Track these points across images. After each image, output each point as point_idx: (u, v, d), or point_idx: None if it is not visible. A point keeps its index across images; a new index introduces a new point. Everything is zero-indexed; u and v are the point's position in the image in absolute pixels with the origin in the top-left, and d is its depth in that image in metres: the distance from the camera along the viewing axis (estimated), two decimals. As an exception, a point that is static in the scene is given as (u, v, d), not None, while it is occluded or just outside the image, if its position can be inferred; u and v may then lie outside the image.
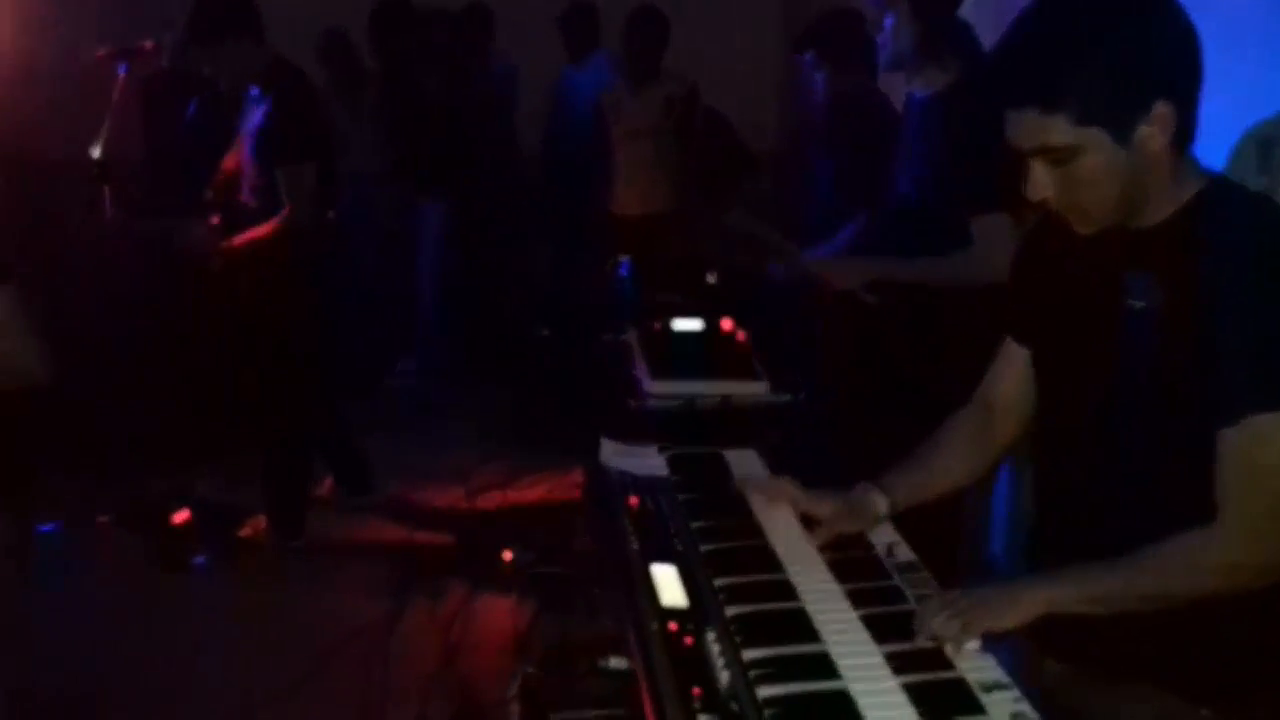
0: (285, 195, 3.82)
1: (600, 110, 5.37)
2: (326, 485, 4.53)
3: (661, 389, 2.59)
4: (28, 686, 3.10)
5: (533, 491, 4.59)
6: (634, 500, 1.88)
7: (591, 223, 5.45)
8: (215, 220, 3.97)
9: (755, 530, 1.82)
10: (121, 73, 3.96)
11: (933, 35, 2.73)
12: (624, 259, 3.78)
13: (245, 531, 4.24)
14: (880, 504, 1.83)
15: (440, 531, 4.31)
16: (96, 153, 3.88)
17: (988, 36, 3.08)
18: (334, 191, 4.07)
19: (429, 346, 6.01)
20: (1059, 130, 1.44)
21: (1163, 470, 1.54)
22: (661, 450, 2.14)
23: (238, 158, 4.00)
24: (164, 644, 3.53)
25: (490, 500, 4.58)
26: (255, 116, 3.90)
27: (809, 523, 1.85)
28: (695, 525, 1.83)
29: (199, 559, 4.09)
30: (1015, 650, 1.68)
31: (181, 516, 4.18)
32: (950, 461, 1.87)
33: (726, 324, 3.15)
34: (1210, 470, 1.48)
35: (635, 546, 1.74)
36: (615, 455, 2.10)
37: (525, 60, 6.05)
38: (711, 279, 3.63)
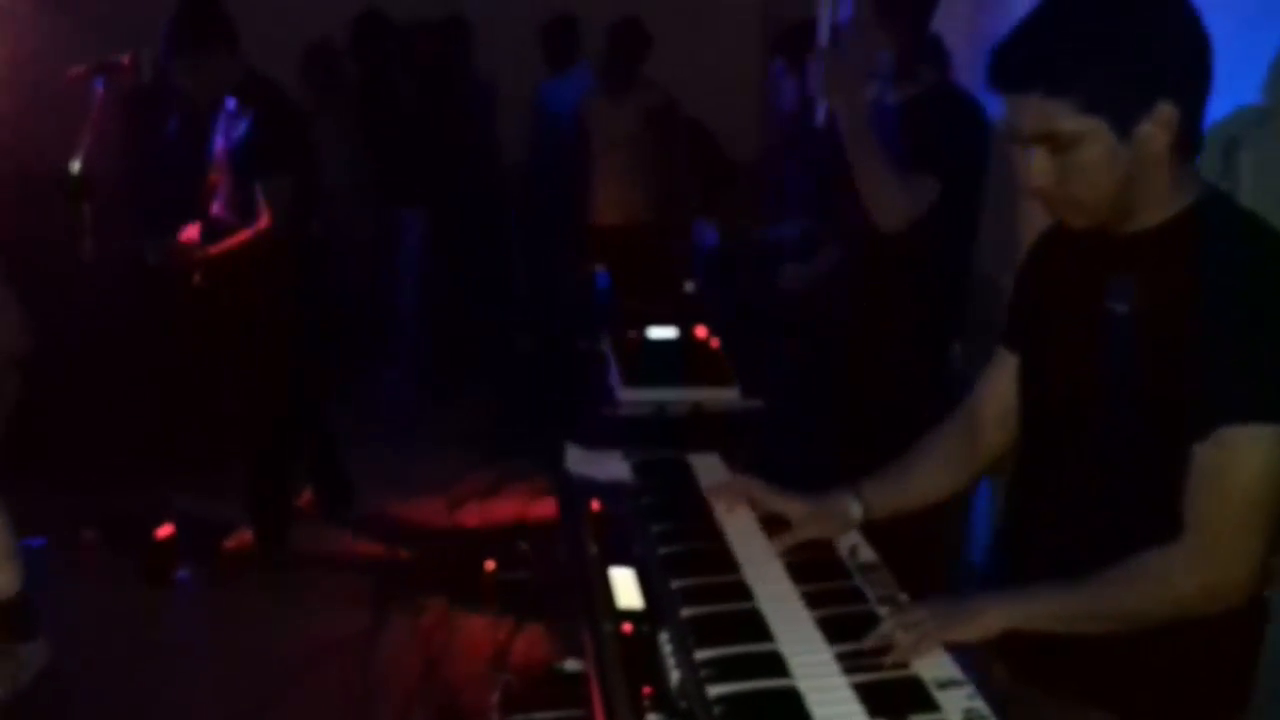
0: (265, 207, 3.84)
1: (580, 120, 5.39)
2: (305, 497, 4.54)
3: (633, 396, 2.60)
4: (13, 701, 3.11)
5: (514, 501, 4.59)
6: (595, 505, 1.89)
7: (571, 233, 5.46)
8: (194, 233, 3.98)
9: (715, 533, 1.83)
10: (99, 88, 3.96)
11: (910, 54, 2.75)
12: (601, 268, 3.80)
13: (230, 544, 4.24)
14: (854, 509, 1.81)
15: (421, 543, 4.31)
16: (75, 168, 3.89)
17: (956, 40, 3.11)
18: (314, 205, 4.08)
19: (409, 357, 6.02)
20: (1062, 116, 1.44)
21: (1132, 480, 1.53)
22: (626, 456, 2.15)
23: (217, 172, 4.01)
24: (148, 658, 3.53)
25: (472, 511, 4.58)
26: (237, 129, 3.91)
27: (774, 525, 1.84)
28: (655, 529, 1.84)
29: (183, 573, 4.09)
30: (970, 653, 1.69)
31: (165, 531, 4.18)
32: (931, 472, 1.84)
33: (701, 331, 3.17)
34: (1179, 485, 1.46)
35: (594, 550, 1.75)
36: (580, 462, 2.11)
37: (506, 71, 6.07)
38: (689, 288, 3.66)
